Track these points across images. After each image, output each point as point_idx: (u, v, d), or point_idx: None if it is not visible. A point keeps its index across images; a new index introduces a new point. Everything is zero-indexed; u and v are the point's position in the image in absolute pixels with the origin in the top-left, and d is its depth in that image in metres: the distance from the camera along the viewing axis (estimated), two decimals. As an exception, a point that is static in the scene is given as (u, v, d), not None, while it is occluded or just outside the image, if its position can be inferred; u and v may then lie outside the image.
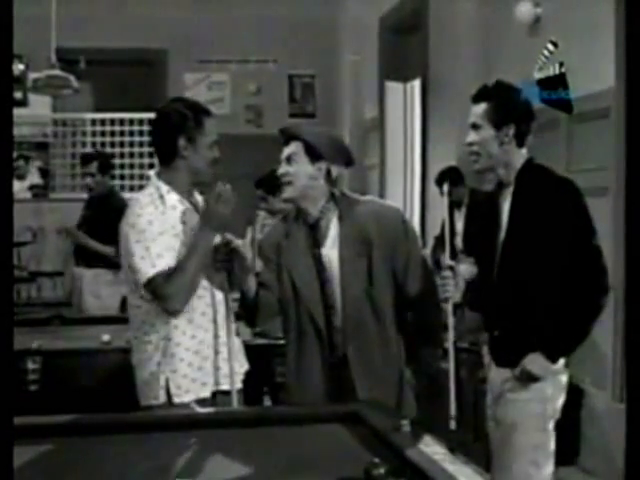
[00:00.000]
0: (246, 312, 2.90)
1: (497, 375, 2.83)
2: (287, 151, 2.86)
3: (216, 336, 2.81)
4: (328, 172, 2.86)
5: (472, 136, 2.74)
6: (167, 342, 2.74)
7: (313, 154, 2.83)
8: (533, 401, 2.71)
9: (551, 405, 2.73)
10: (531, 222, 2.67)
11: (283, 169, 2.85)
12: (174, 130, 2.76)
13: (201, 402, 2.77)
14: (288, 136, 2.89)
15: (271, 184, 4.88)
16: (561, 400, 2.76)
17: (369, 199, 3.02)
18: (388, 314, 2.83)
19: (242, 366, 2.93)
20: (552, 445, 2.74)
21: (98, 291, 5.53)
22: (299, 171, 2.83)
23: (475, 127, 2.72)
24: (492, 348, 2.87)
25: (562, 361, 2.74)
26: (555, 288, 2.66)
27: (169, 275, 2.64)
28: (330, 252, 2.82)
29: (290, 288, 2.85)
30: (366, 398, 2.70)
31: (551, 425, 2.74)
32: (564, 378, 2.77)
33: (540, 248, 2.66)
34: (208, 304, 2.80)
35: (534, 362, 2.69)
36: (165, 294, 2.65)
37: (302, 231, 2.87)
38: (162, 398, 2.75)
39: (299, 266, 2.82)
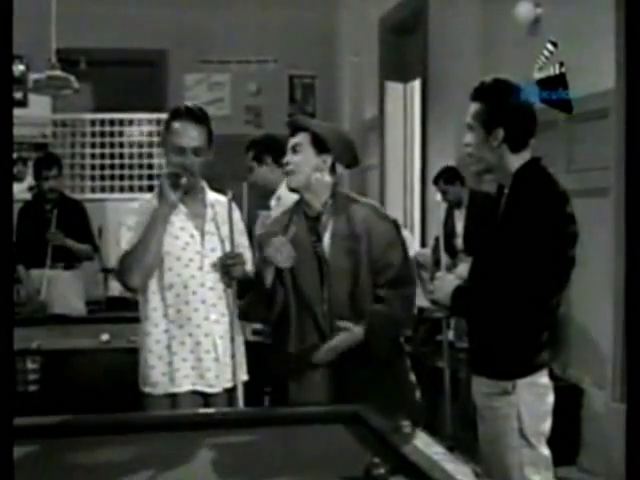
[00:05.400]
0: (261, 303, 2.88)
1: (476, 386, 2.65)
2: (293, 141, 2.85)
3: (206, 335, 2.82)
4: (333, 166, 2.85)
5: (467, 137, 2.59)
6: (143, 334, 2.85)
7: (319, 146, 2.82)
8: (503, 417, 2.50)
9: (531, 419, 2.49)
10: (514, 234, 2.45)
11: (288, 157, 2.85)
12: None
13: (173, 398, 2.79)
14: (296, 127, 2.87)
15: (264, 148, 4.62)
16: (544, 412, 2.54)
17: (369, 201, 3.01)
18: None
19: (241, 374, 2.91)
20: (544, 463, 2.52)
21: (80, 292, 5.60)
22: (304, 161, 2.82)
23: (470, 128, 2.58)
24: (470, 354, 2.72)
25: (545, 371, 2.54)
26: (513, 312, 2.44)
27: (123, 255, 2.78)
28: (326, 247, 2.82)
29: (290, 280, 2.84)
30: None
31: (538, 441, 2.51)
32: (543, 389, 2.54)
33: (514, 264, 2.41)
34: (186, 302, 2.81)
35: None
36: (120, 271, 2.79)
37: (304, 225, 2.86)
38: (141, 387, 2.86)
39: (300, 260, 2.80)
